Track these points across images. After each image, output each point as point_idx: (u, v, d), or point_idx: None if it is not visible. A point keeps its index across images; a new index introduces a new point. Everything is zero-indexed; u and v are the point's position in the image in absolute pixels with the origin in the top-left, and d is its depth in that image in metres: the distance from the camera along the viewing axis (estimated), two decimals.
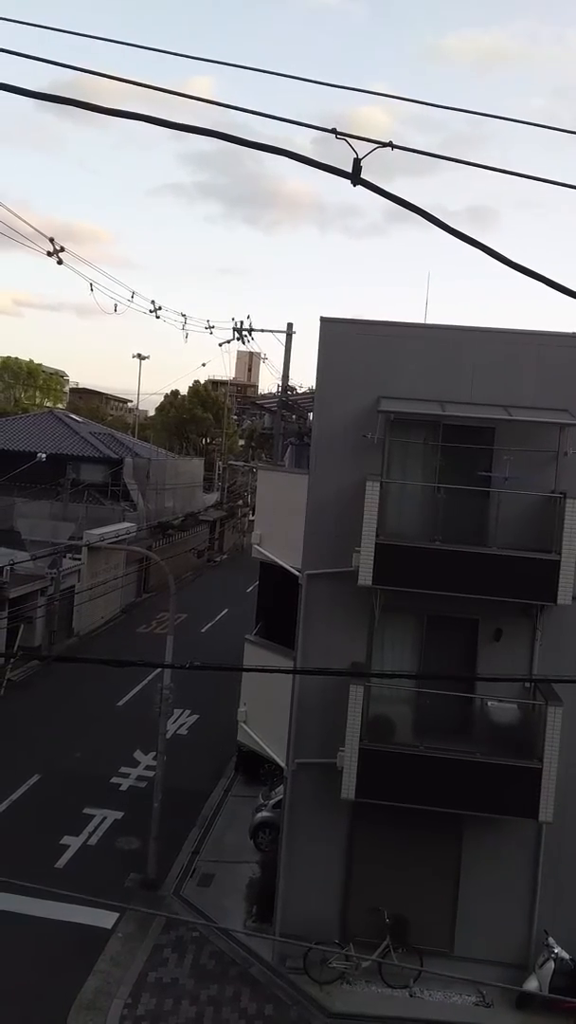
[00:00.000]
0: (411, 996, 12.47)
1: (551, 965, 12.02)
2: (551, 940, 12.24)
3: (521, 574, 11.86)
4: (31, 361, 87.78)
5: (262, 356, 43.61)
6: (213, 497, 56.60)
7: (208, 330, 32.25)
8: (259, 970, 12.86)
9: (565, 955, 12.08)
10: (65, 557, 29.87)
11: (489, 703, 12.53)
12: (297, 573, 13.08)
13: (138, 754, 20.58)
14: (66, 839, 16.40)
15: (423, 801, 11.90)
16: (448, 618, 12.72)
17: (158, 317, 27.12)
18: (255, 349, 36.29)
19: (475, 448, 12.55)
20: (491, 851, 12.80)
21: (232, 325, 31.32)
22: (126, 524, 36.53)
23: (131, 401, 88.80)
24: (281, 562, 13.79)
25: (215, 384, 75.64)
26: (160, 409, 74.52)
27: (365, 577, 11.81)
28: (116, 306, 24.36)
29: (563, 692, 11.84)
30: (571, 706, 11.71)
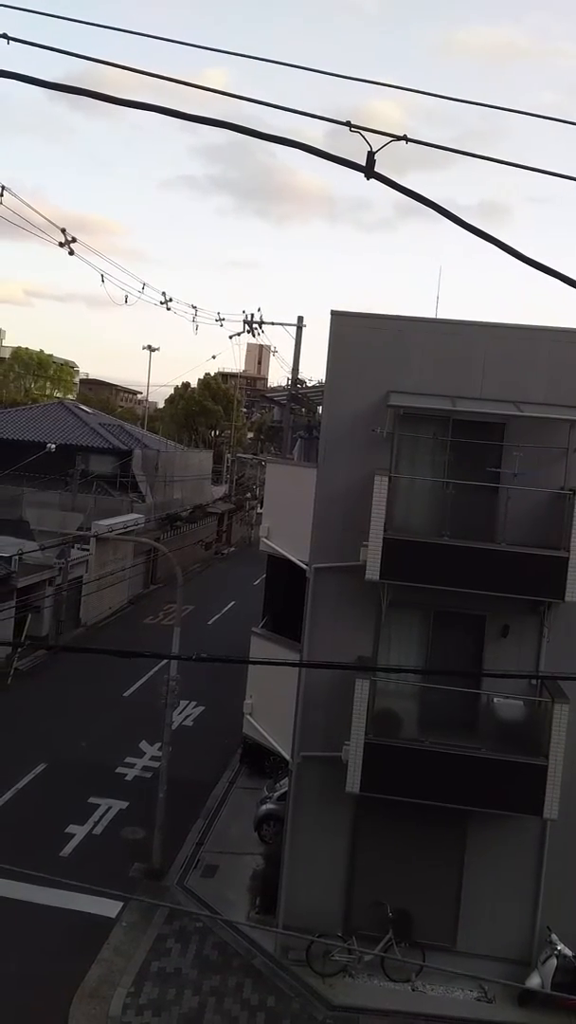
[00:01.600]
0: (413, 990, 12.49)
1: (554, 962, 12.02)
2: (554, 937, 12.24)
3: (529, 571, 11.81)
4: (41, 352, 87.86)
5: (272, 349, 43.55)
6: (221, 490, 56.65)
7: (218, 322, 32.15)
8: (262, 962, 12.91)
9: (568, 952, 12.08)
10: (73, 547, 29.96)
11: (495, 699, 12.50)
12: (304, 567, 13.07)
13: (144, 744, 20.66)
14: (71, 828, 16.50)
15: (428, 796, 11.90)
16: (455, 614, 12.69)
17: (168, 309, 27.08)
18: (265, 342, 36.16)
19: (485, 444, 12.48)
20: (495, 847, 12.79)
21: (242, 318, 31.26)
22: (134, 515, 36.61)
23: (141, 393, 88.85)
24: (289, 555, 13.77)
25: (225, 376, 75.50)
26: (169, 401, 74.49)
27: (373, 572, 11.78)
28: (127, 297, 24.29)
29: (570, 690, 11.79)
30: None
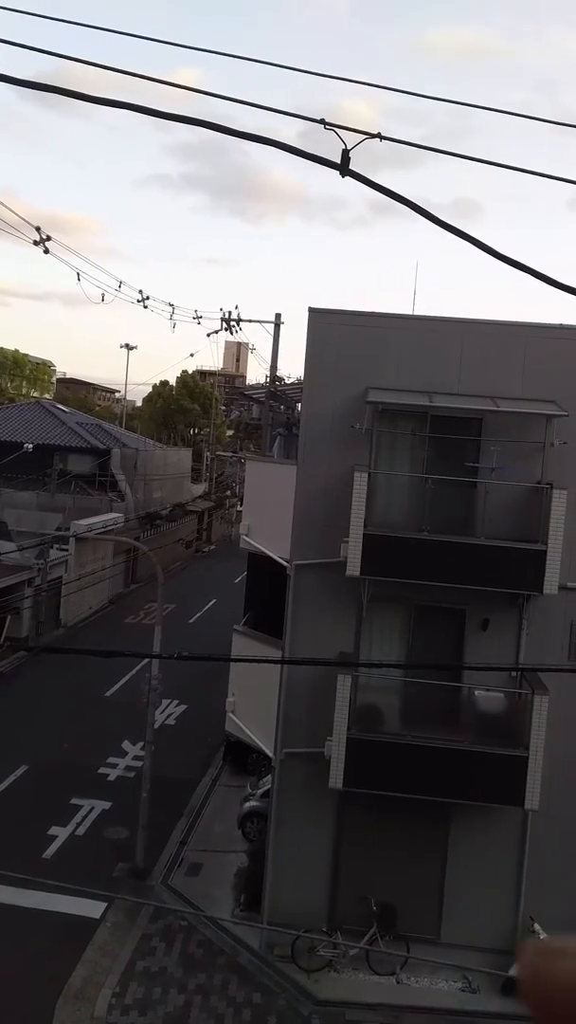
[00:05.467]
0: (398, 983, 12.58)
1: None
2: (537, 926, 12.38)
3: (508, 564, 11.92)
4: (17, 351, 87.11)
5: (250, 346, 43.54)
6: (201, 488, 56.50)
7: (196, 320, 32.11)
8: (247, 958, 12.93)
9: None
10: (52, 548, 29.74)
11: (476, 692, 12.61)
12: (285, 564, 13.09)
13: (126, 744, 20.59)
14: (54, 829, 16.41)
15: (410, 790, 11.98)
16: (436, 608, 12.77)
17: (145, 307, 27.00)
18: (243, 339, 36.28)
19: (462, 439, 12.57)
20: (477, 838, 12.91)
21: (220, 315, 31.21)
22: (113, 515, 36.41)
23: (118, 391, 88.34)
24: (269, 552, 13.79)
25: (203, 374, 75.28)
26: (148, 399, 74.15)
27: (353, 567, 11.83)
28: (103, 296, 24.21)
29: (549, 681, 11.93)
30: (557, 695, 11.80)
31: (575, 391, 12.27)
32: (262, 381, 33.78)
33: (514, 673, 12.71)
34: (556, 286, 4.88)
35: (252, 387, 40.95)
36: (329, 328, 12.80)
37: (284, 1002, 12.04)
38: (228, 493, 60.49)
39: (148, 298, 26.64)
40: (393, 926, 12.74)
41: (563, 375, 12.39)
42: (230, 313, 31.14)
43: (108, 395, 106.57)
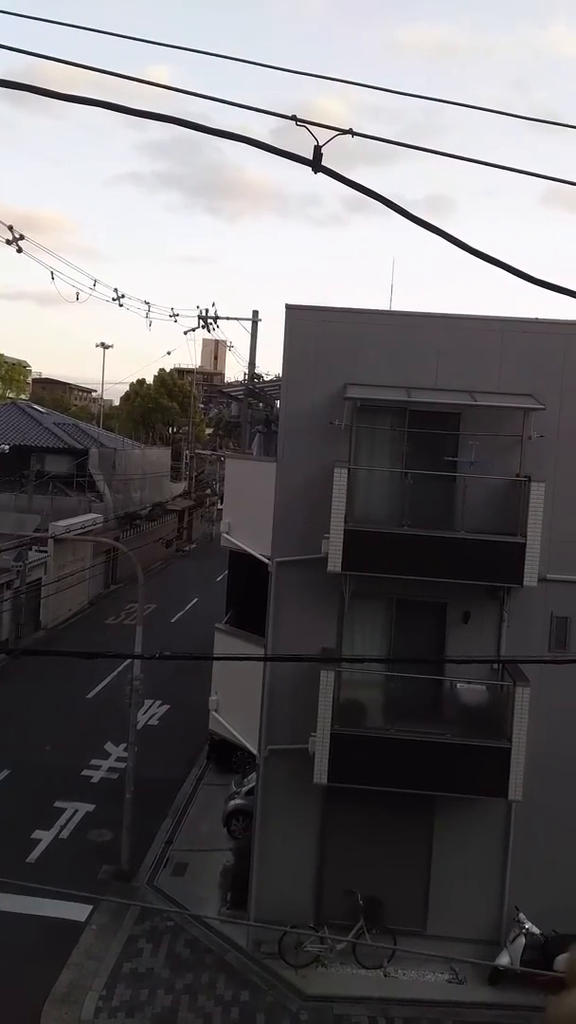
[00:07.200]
0: (385, 976, 12.63)
1: (522, 940, 12.26)
2: (522, 916, 12.48)
3: (488, 557, 12.00)
4: None
5: (228, 344, 43.49)
6: (181, 486, 56.31)
7: (173, 318, 31.93)
8: (234, 956, 12.92)
9: (536, 930, 12.32)
10: (31, 550, 29.51)
11: (458, 685, 12.68)
12: (267, 561, 13.07)
13: (109, 746, 20.48)
14: (37, 833, 16.28)
15: (395, 784, 12.02)
16: (417, 602, 12.83)
17: (121, 305, 26.82)
18: (221, 337, 36.18)
19: (441, 433, 12.62)
20: (462, 831, 12.99)
21: (197, 313, 31.09)
22: (92, 515, 36.18)
23: (95, 391, 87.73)
24: (250, 550, 13.77)
25: (181, 373, 74.98)
26: (125, 398, 73.73)
27: (334, 563, 11.84)
28: (78, 295, 24.02)
29: (530, 672, 12.02)
30: (538, 686, 11.90)
31: (551, 384, 12.37)
32: (240, 378, 33.73)
33: (496, 665, 12.80)
34: (529, 280, 4.90)
35: (231, 385, 40.86)
36: (307, 325, 12.79)
37: (272, 999, 12.04)
38: (208, 491, 60.34)
39: (124, 296, 26.47)
40: (380, 920, 12.79)
41: (539, 369, 12.47)
42: (207, 311, 31.06)
43: (85, 395, 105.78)
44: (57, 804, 17.52)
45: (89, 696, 23.91)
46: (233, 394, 28.89)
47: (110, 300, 26.17)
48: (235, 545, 14.50)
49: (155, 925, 13.61)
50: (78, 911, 13.70)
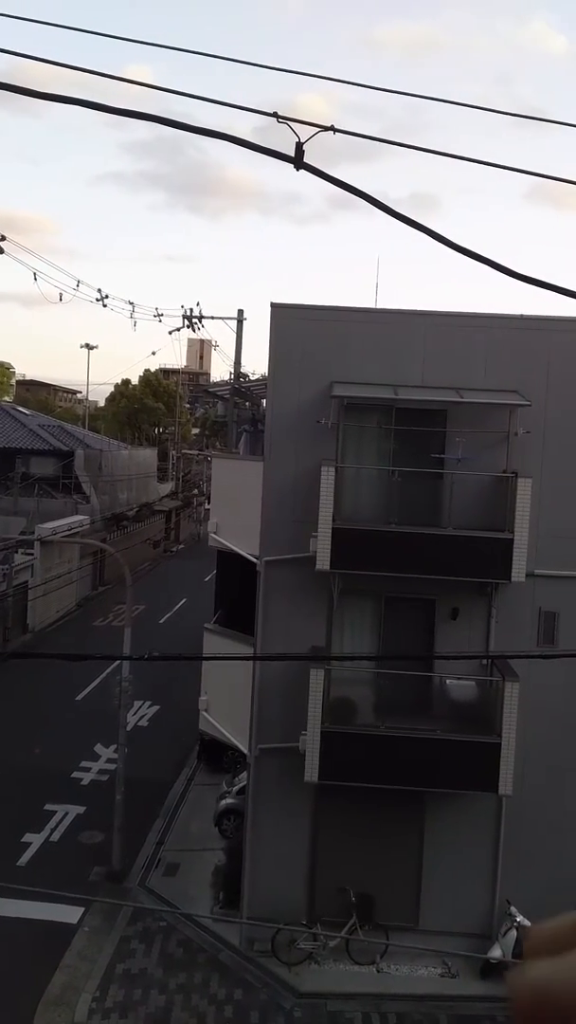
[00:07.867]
0: (378, 972, 12.67)
1: (514, 933, 12.32)
2: (513, 909, 12.55)
3: (475, 553, 12.05)
4: None
5: (213, 343, 43.40)
6: (168, 487, 56.17)
7: (157, 318, 31.85)
8: (227, 955, 12.92)
9: (527, 923, 12.38)
10: (17, 552, 29.35)
11: (448, 681, 12.73)
12: (255, 560, 13.07)
13: (99, 747, 20.41)
14: (27, 836, 16.21)
15: (386, 780, 12.06)
16: (406, 599, 12.87)
17: (105, 306, 26.75)
18: (206, 336, 36.05)
19: (428, 431, 12.66)
20: (453, 826, 13.05)
21: (182, 313, 31.02)
22: (79, 517, 36.02)
23: (80, 392, 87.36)
24: (238, 550, 13.76)
25: (166, 373, 74.77)
26: (111, 399, 73.39)
27: (323, 562, 11.86)
28: (61, 295, 24.00)
29: (519, 668, 12.08)
30: (527, 681, 11.96)
31: (537, 380, 12.44)
32: (226, 378, 33.68)
33: (485, 661, 12.86)
34: (514, 276, 4.93)
35: (216, 384, 40.77)
36: (292, 323, 12.79)
37: (266, 996, 12.06)
38: (195, 491, 60.24)
39: (107, 297, 26.41)
40: (372, 916, 12.83)
41: (525, 365, 12.54)
42: (191, 310, 30.98)
43: (70, 396, 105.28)
44: (47, 807, 17.45)
45: (78, 698, 23.82)
46: (219, 393, 28.84)
47: (94, 301, 26.12)
48: (223, 545, 14.49)
49: (147, 925, 13.59)
50: (70, 913, 13.65)
